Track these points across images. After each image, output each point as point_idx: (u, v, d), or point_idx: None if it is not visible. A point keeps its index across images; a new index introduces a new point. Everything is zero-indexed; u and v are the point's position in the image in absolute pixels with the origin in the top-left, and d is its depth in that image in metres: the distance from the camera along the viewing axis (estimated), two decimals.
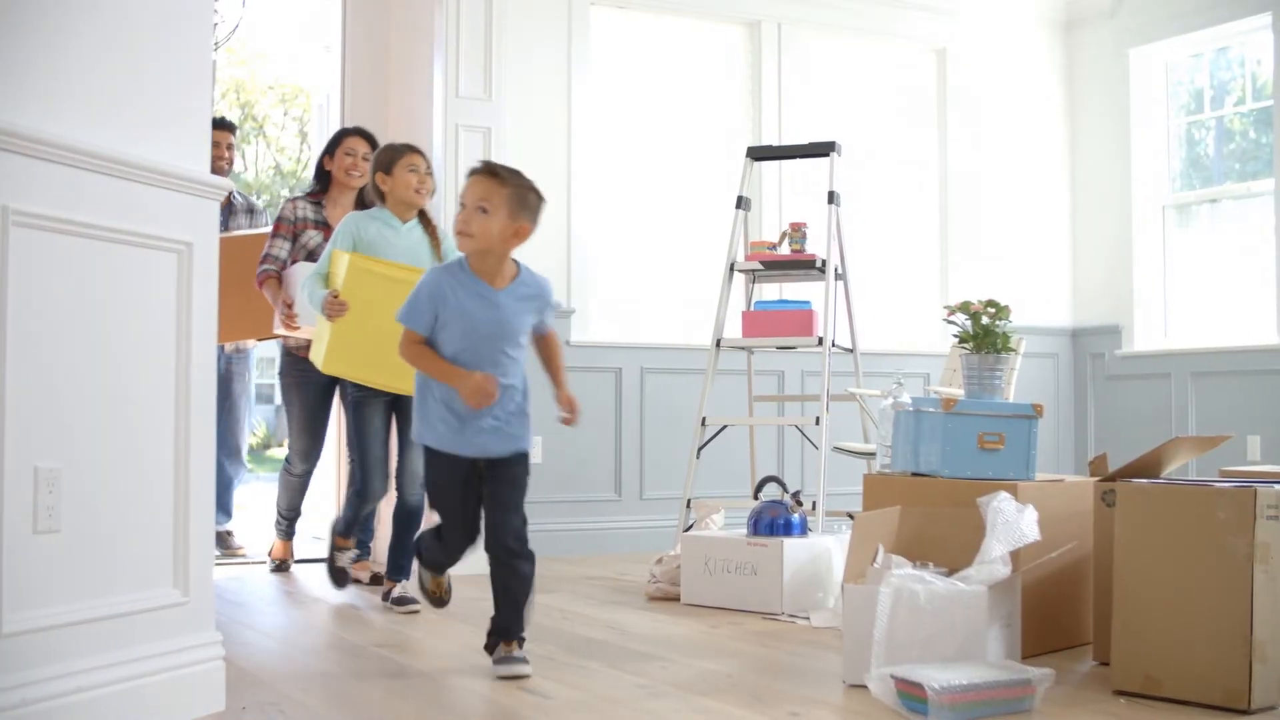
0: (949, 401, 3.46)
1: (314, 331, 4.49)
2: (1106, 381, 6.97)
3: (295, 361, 4.91)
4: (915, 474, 3.53)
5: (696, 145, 6.46)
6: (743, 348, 5.35)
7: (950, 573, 3.04)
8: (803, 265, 5.18)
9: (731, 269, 5.25)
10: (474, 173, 3.13)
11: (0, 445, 2.20)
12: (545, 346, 3.27)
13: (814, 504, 4.68)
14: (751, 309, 5.33)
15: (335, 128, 5.75)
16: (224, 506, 5.75)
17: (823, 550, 4.22)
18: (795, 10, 6.58)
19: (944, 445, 3.42)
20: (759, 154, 5.44)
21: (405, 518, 4.23)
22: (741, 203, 5.31)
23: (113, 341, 2.46)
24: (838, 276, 5.18)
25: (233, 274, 5.03)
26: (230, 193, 5.20)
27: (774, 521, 4.23)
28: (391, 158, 4.16)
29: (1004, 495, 3.08)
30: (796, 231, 5.26)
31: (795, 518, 4.24)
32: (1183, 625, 2.80)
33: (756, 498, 4.56)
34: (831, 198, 5.15)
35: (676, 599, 4.38)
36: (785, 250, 5.27)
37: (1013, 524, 3.01)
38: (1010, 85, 7.06)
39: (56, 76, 2.35)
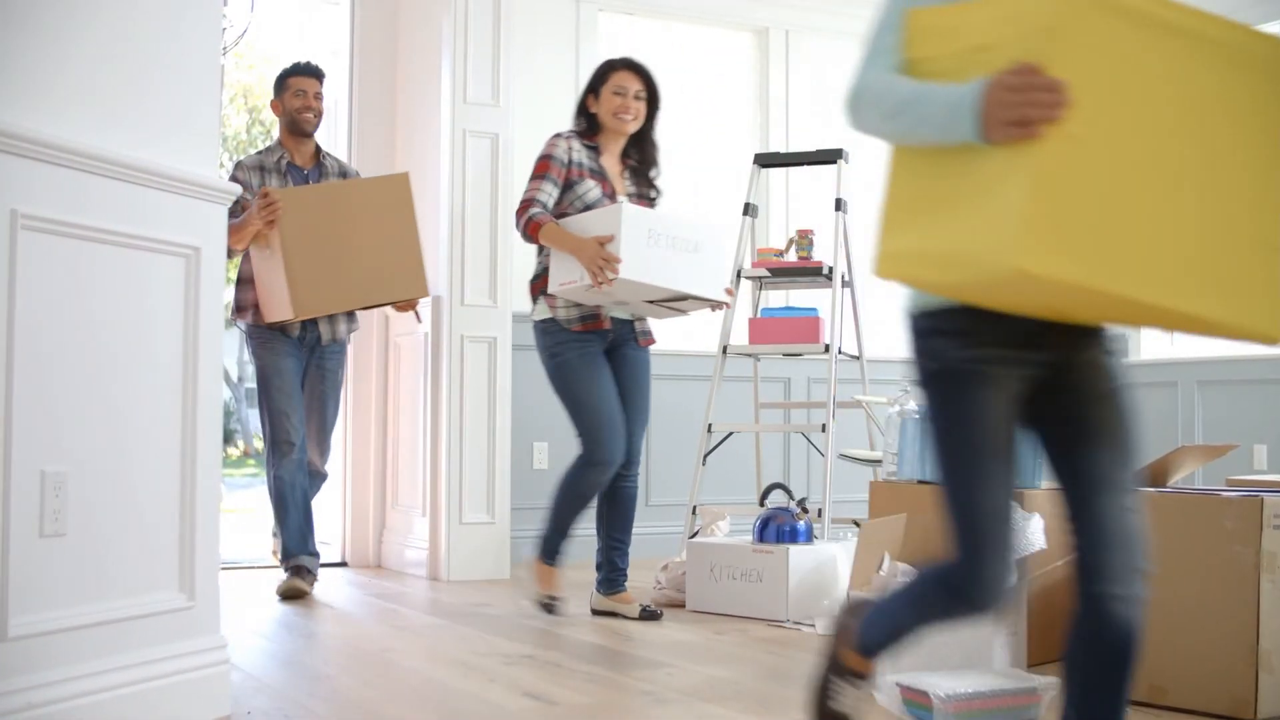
0: None
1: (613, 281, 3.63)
2: None
3: (569, 336, 4.01)
4: (921, 481, 3.52)
5: (704, 152, 6.47)
6: (749, 354, 5.35)
7: None
8: (809, 272, 5.17)
9: (738, 275, 5.24)
10: None
11: (7, 449, 2.20)
12: None
13: (820, 511, 4.67)
14: (758, 315, 5.33)
15: (343, 133, 5.73)
16: (292, 535, 4.61)
17: (828, 557, 4.22)
18: (803, 17, 6.58)
19: None
20: (766, 161, 5.44)
21: None
22: (749, 209, 5.31)
23: (120, 345, 2.47)
24: (845, 283, 5.18)
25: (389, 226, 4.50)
26: (320, 151, 4.87)
27: (780, 528, 4.22)
28: None
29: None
30: (804, 238, 5.26)
31: (801, 525, 4.24)
32: (1189, 634, 2.79)
33: (762, 504, 4.56)
34: (839, 205, 5.15)
35: (682, 605, 4.37)
36: (792, 257, 5.26)
37: (1018, 532, 3.01)
38: None
39: (64, 79, 2.36)
